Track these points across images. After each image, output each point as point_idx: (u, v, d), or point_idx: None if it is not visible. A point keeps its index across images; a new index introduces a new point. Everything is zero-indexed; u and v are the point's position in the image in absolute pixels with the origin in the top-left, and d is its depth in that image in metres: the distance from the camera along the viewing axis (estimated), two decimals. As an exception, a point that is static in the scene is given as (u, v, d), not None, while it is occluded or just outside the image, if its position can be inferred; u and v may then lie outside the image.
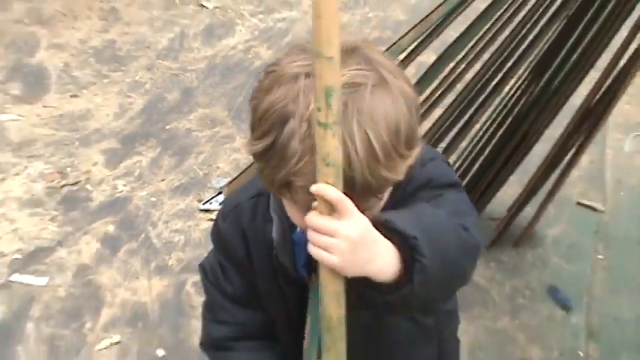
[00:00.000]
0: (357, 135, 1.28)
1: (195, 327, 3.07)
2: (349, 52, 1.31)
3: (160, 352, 3.02)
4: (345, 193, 1.23)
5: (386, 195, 1.41)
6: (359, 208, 1.27)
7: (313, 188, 1.18)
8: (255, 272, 1.65)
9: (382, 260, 1.24)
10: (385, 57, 1.38)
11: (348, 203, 1.20)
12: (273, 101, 1.31)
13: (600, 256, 3.38)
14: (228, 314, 1.72)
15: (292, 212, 1.46)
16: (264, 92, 1.34)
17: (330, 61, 1.09)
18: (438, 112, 2.85)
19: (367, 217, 1.27)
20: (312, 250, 1.23)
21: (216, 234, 1.70)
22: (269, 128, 1.32)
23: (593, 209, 3.58)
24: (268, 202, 1.60)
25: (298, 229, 1.55)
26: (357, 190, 1.29)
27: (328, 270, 1.23)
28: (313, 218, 1.22)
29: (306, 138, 1.27)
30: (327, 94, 1.10)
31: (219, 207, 3.46)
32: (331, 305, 1.26)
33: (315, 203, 1.21)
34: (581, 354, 3.00)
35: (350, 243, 1.20)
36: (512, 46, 2.86)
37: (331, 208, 1.20)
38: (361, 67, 1.31)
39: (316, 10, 1.06)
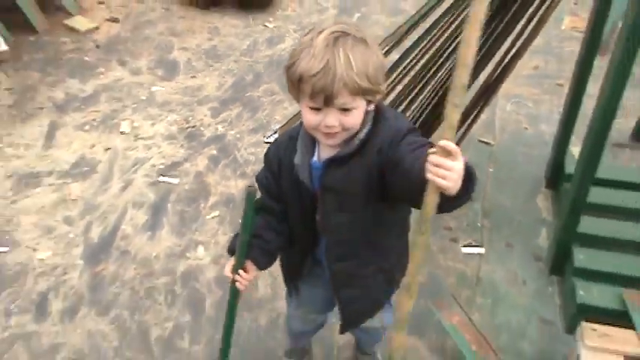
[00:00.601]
0: (342, 55, 1.35)
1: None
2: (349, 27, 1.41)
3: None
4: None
5: (357, 112, 1.44)
6: (345, 107, 1.40)
7: (441, 143, 1.16)
8: (283, 182, 1.64)
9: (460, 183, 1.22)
10: (373, 40, 1.44)
11: (459, 151, 1.18)
12: (301, 41, 1.42)
13: (491, 169, 3.35)
14: (267, 202, 1.71)
15: (305, 115, 1.47)
16: (301, 39, 1.43)
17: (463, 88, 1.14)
18: (399, 87, 2.84)
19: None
20: (432, 177, 1.19)
21: (265, 157, 1.70)
22: (296, 54, 1.40)
23: (488, 144, 3.54)
24: (296, 143, 1.59)
25: (314, 159, 1.57)
26: (336, 90, 1.36)
27: (434, 188, 1.21)
28: (438, 159, 1.18)
29: (313, 55, 1.36)
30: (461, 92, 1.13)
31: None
32: (429, 208, 1.24)
33: (432, 149, 1.19)
34: (478, 224, 3.02)
35: (458, 175, 1.19)
36: (443, 49, 2.83)
37: (448, 153, 1.17)
38: (354, 30, 1.40)
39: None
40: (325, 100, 1.38)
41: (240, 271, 1.68)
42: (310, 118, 1.44)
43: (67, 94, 4.01)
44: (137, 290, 2.70)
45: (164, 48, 4.56)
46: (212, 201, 3.18)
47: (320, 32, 1.39)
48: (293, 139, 1.61)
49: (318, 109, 1.42)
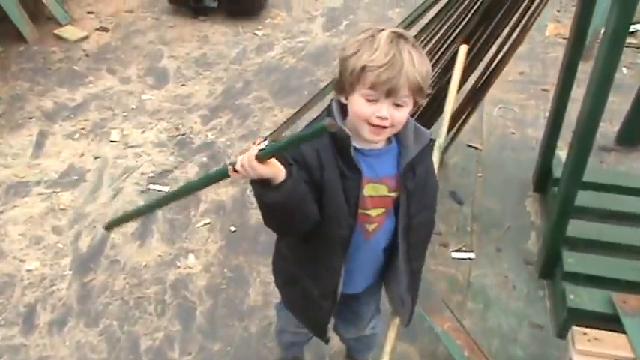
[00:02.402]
0: (406, 52, 1.39)
1: (251, 215, 3.02)
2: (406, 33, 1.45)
3: (232, 228, 2.97)
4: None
5: (406, 110, 1.46)
6: (399, 103, 1.42)
7: None
8: (326, 172, 1.47)
9: None
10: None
11: None
12: (356, 38, 1.45)
13: (479, 175, 3.29)
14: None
15: (358, 105, 1.44)
16: (355, 37, 1.46)
17: None
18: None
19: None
20: None
21: (296, 154, 1.48)
22: (356, 46, 1.43)
23: (476, 148, 3.48)
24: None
25: (358, 146, 1.51)
26: (401, 83, 1.38)
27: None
28: None
29: (377, 48, 1.39)
30: None
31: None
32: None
33: None
34: (468, 229, 2.95)
35: None
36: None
37: None
38: (410, 37, 1.45)
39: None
40: (388, 91, 1.39)
41: (253, 161, 1.33)
42: (364, 108, 1.43)
43: (56, 103, 3.91)
44: (127, 300, 2.61)
45: (154, 57, 4.46)
46: (202, 208, 3.09)
47: (380, 31, 1.42)
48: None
49: (373, 101, 1.42)
